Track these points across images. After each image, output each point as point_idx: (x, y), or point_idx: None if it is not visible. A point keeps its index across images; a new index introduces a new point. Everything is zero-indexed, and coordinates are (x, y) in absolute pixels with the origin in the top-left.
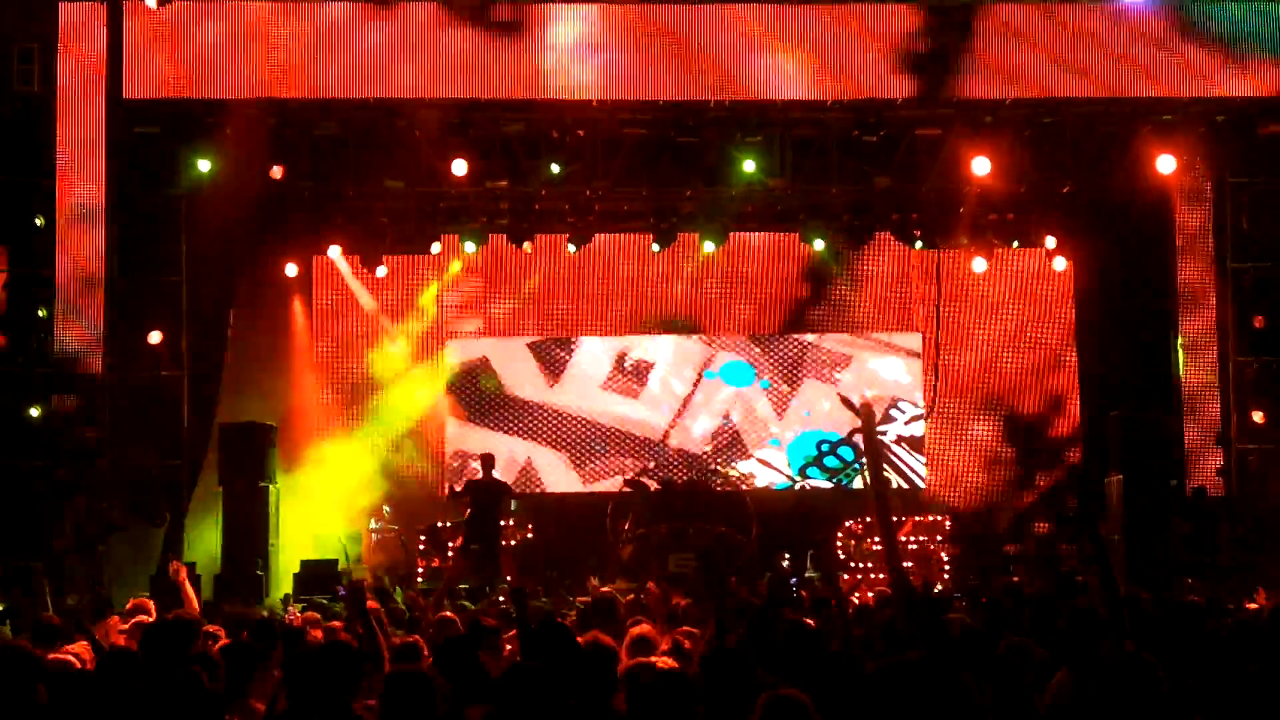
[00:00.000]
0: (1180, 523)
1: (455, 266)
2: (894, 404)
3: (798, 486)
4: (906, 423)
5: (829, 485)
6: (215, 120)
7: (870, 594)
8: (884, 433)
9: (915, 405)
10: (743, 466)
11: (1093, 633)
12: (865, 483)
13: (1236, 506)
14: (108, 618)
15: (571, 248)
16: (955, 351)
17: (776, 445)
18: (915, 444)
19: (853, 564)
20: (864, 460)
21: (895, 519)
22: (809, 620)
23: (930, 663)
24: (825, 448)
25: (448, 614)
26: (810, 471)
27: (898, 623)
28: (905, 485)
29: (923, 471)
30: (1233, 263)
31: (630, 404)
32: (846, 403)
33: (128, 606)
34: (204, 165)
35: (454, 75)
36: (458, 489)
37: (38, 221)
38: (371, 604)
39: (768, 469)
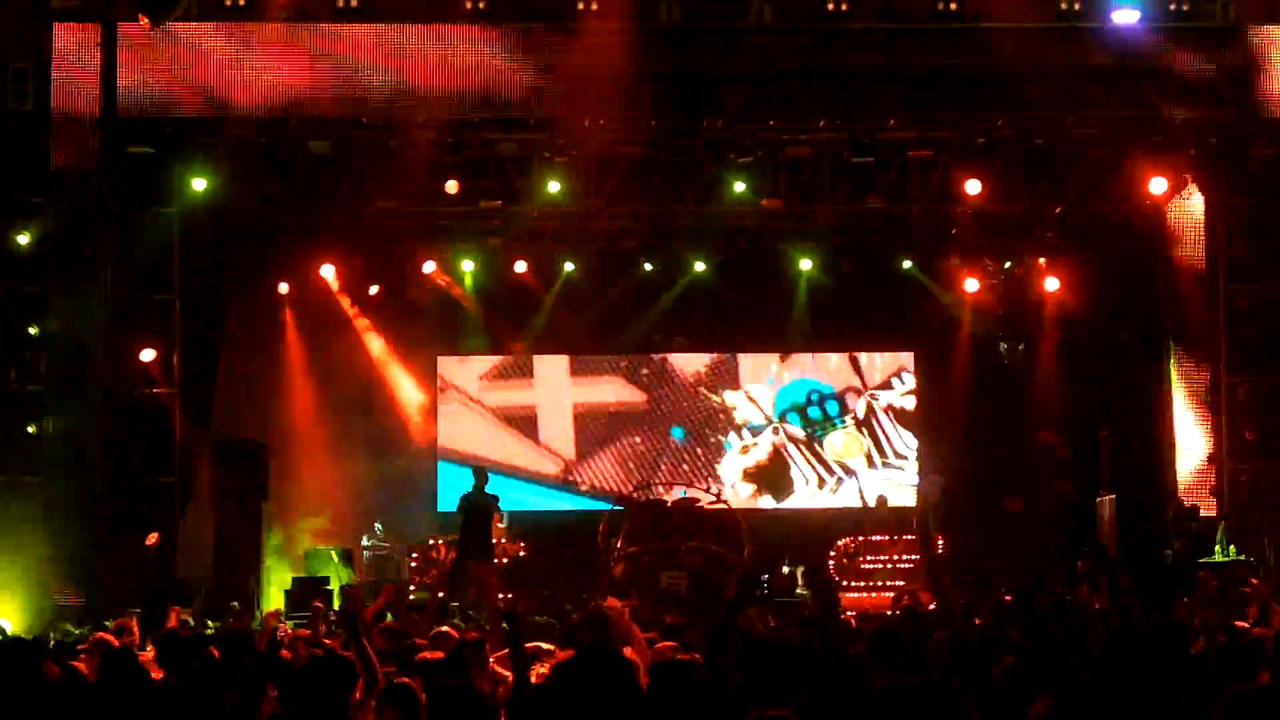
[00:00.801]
0: (1173, 541)
1: (468, 282)
2: (898, 372)
3: (772, 428)
4: (902, 395)
5: (803, 434)
6: (209, 139)
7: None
8: (875, 398)
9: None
10: (729, 396)
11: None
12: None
13: (1229, 525)
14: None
15: (569, 265)
16: (945, 371)
17: (770, 384)
18: (904, 418)
19: (845, 583)
20: (846, 419)
21: (888, 538)
22: (770, 622)
23: (932, 685)
24: (815, 397)
25: (445, 629)
26: (790, 417)
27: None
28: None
29: (906, 452)
30: (1225, 284)
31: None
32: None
33: (111, 626)
34: (198, 184)
35: (448, 94)
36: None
37: (22, 239)
38: (389, 622)
39: (750, 405)
